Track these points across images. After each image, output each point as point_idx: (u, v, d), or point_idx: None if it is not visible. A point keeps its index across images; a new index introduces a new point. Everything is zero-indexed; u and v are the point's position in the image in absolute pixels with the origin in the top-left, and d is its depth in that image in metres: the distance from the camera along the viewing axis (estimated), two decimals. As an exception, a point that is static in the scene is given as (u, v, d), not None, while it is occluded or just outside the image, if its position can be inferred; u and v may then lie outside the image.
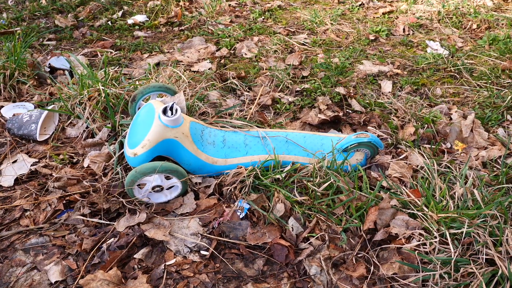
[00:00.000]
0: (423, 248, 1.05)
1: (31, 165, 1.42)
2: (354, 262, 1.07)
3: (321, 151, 1.34)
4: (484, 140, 1.50)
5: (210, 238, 1.14)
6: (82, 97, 1.64)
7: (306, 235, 1.13)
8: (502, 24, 2.58)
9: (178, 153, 1.24)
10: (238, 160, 1.31)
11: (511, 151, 1.45)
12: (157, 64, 2.18)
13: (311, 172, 1.27)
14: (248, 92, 1.89)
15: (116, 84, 1.73)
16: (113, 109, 1.58)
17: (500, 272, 0.95)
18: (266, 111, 1.76)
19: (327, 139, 1.39)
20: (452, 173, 1.31)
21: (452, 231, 1.04)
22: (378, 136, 1.55)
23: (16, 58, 1.86)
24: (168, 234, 1.14)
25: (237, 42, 2.45)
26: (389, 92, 1.90)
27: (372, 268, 1.05)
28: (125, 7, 3.08)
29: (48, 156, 1.48)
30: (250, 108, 1.67)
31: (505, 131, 1.57)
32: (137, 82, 1.82)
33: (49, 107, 1.70)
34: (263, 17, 2.90)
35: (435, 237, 1.04)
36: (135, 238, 1.12)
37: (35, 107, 1.77)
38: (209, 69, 2.10)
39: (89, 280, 1.00)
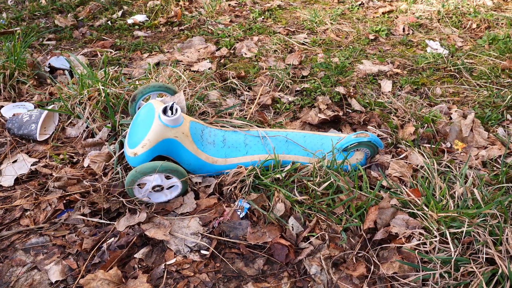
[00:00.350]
0: (423, 247, 1.05)
1: (31, 165, 1.42)
2: (354, 261, 1.07)
3: (321, 150, 1.34)
4: (484, 140, 1.50)
5: (210, 237, 1.14)
6: (82, 97, 1.64)
7: (306, 235, 1.13)
8: (502, 23, 2.58)
9: (178, 152, 1.25)
10: (238, 160, 1.31)
11: (511, 151, 1.45)
12: (157, 64, 2.18)
13: (311, 171, 1.27)
14: (248, 91, 1.89)
15: (116, 84, 1.73)
16: (113, 109, 1.58)
17: (500, 271, 0.95)
18: (266, 110, 1.76)
19: (327, 138, 1.39)
20: (452, 172, 1.31)
21: (452, 230, 1.04)
22: (378, 135, 1.55)
23: (16, 58, 1.86)
24: (168, 234, 1.14)
25: (237, 42, 2.45)
26: (389, 91, 1.90)
27: (372, 267, 1.05)
28: (125, 7, 3.08)
29: (48, 156, 1.48)
30: (250, 108, 1.67)
31: (505, 131, 1.57)
32: (137, 82, 1.82)
33: (49, 107, 1.70)
34: (263, 17, 2.90)
35: (435, 237, 1.05)
36: (135, 237, 1.12)
37: (35, 107, 1.76)
38: (209, 68, 2.10)
39: (90, 279, 1.01)
